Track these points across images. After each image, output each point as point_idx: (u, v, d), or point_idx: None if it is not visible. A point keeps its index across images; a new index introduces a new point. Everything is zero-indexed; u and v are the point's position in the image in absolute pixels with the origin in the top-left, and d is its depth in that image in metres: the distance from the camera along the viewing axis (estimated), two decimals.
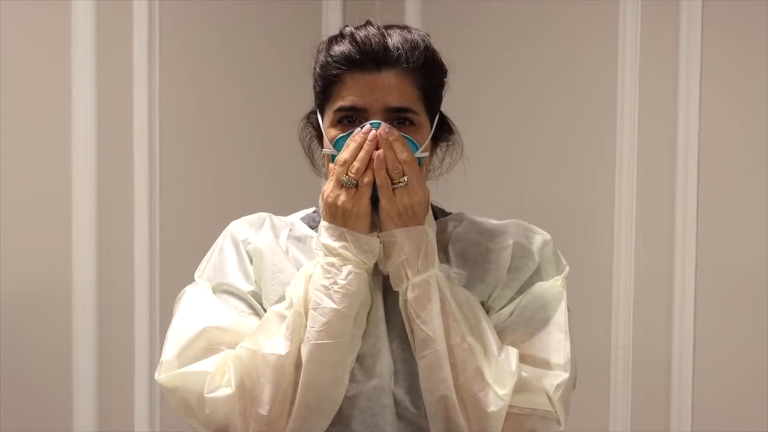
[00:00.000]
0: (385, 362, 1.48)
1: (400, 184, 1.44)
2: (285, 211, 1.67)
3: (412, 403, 1.48)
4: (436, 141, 1.58)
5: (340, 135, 1.49)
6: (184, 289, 1.60)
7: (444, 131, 1.59)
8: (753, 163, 2.52)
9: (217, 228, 1.64)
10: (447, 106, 1.59)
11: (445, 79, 1.57)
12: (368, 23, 1.53)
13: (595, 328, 2.73)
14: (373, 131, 1.44)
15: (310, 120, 1.61)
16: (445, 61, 1.57)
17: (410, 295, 1.45)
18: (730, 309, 2.57)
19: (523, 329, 1.51)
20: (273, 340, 1.44)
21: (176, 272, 1.72)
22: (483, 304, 1.53)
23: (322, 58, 1.53)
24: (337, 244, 1.45)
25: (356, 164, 1.44)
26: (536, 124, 2.91)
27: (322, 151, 1.56)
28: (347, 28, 1.52)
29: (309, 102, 1.59)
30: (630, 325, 2.71)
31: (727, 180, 2.58)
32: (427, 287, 1.45)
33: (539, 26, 2.90)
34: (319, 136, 1.57)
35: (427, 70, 1.51)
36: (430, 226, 1.49)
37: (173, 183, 2.81)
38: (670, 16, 2.62)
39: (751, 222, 2.53)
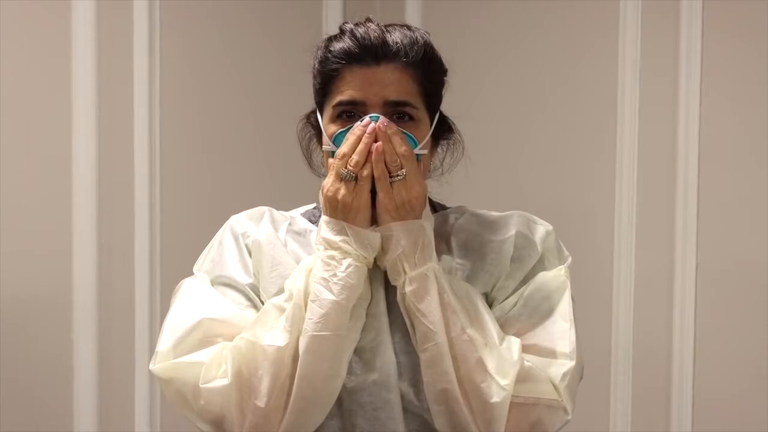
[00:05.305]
0: (386, 356, 1.47)
1: (398, 178, 1.44)
2: (285, 210, 1.66)
3: (416, 395, 1.47)
4: (436, 140, 1.58)
5: (340, 130, 1.48)
6: (182, 281, 1.59)
7: (444, 130, 1.59)
8: (753, 163, 2.52)
9: (218, 228, 1.64)
10: (447, 106, 1.59)
11: (445, 78, 1.57)
12: (368, 20, 1.53)
13: (595, 328, 2.73)
14: (372, 124, 1.44)
15: (310, 119, 1.60)
16: (445, 61, 1.57)
17: (408, 288, 1.45)
18: (730, 309, 2.57)
19: (527, 319, 1.50)
20: (272, 332, 1.44)
21: (176, 272, 1.71)
22: (486, 295, 1.52)
23: (321, 54, 1.52)
24: (337, 238, 1.45)
25: (355, 157, 1.43)
26: (536, 123, 2.91)
27: (321, 149, 1.55)
28: (347, 25, 1.52)
29: (309, 101, 1.59)
30: (630, 325, 2.71)
31: (727, 180, 2.58)
32: (425, 280, 1.45)
33: (539, 26, 2.90)
34: (319, 135, 1.57)
35: (426, 66, 1.51)
36: (427, 221, 1.48)
37: (173, 183, 2.81)
38: (670, 16, 2.62)
39: (751, 222, 2.53)
